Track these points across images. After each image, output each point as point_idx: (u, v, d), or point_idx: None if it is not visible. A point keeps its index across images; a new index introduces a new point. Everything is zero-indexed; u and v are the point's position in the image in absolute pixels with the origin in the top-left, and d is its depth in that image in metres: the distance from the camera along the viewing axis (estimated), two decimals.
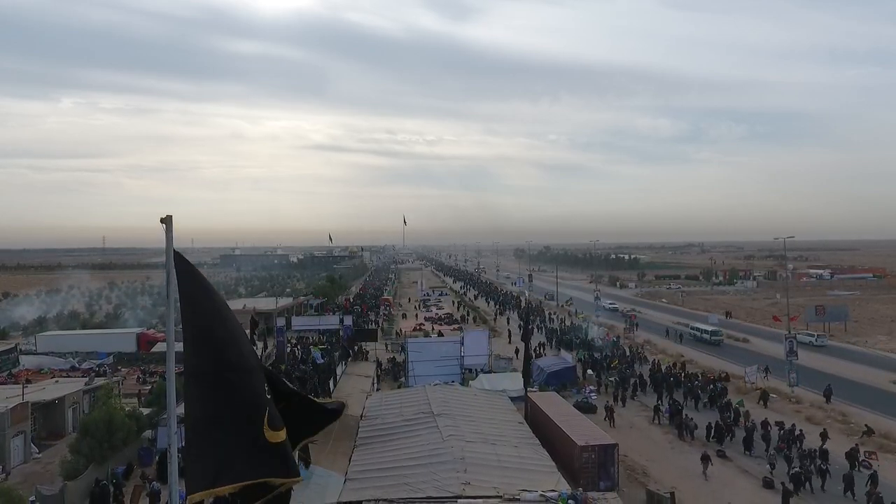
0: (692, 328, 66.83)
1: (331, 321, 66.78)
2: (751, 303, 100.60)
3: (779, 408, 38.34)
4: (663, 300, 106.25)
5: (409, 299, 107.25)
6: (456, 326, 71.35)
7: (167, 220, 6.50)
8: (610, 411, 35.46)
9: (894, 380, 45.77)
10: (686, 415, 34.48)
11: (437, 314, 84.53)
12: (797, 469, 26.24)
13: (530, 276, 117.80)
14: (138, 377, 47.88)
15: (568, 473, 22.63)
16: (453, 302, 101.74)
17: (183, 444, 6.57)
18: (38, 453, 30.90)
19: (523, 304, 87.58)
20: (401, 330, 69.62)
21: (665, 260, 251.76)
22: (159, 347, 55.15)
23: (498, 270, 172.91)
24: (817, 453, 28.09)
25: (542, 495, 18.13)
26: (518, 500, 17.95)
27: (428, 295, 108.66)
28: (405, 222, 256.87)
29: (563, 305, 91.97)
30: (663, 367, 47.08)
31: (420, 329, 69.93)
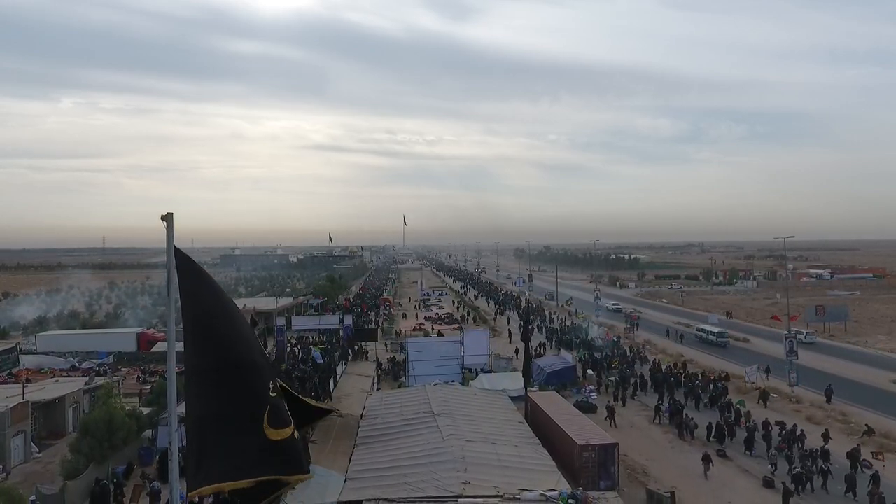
0: (698, 329, 65.82)
1: (331, 321, 66.72)
2: (751, 303, 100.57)
3: (779, 407, 38.32)
4: (663, 300, 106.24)
5: (409, 299, 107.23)
6: (456, 326, 71.31)
7: (168, 218, 6.47)
8: (611, 411, 35.44)
9: (894, 379, 45.76)
10: (686, 414, 34.46)
11: (437, 314, 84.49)
12: (798, 469, 26.22)
13: (530, 275, 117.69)
14: (138, 377, 47.86)
15: (568, 473, 22.61)
16: (453, 302, 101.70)
17: (183, 443, 6.55)
18: (39, 453, 30.89)
19: (523, 304, 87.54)
20: (401, 330, 69.58)
21: (665, 260, 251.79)
22: (159, 347, 55.16)
23: (498, 270, 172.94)
24: (818, 453, 28.07)
25: (542, 495, 18.11)
26: (518, 499, 17.92)
27: (428, 295, 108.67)
28: (405, 222, 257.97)
29: (563, 305, 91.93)
30: (664, 367, 47.08)
31: (420, 329, 69.91)
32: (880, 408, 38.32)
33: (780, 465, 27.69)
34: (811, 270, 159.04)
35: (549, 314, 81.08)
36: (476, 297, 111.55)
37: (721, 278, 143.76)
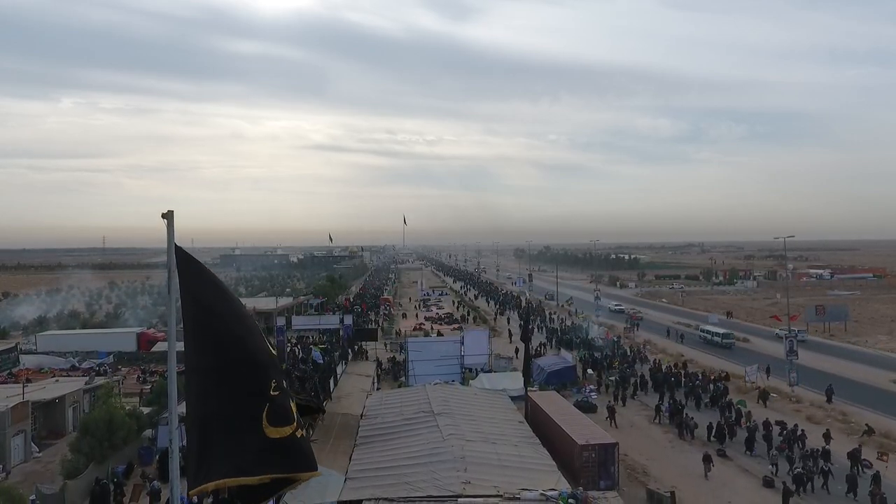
0: (702, 330, 65.27)
1: (331, 321, 66.75)
2: (751, 303, 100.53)
3: (779, 407, 38.30)
4: (663, 300, 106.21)
5: (409, 299, 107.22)
6: (456, 326, 71.31)
7: (168, 216, 6.44)
8: (611, 411, 35.41)
9: (894, 379, 45.76)
10: (686, 414, 34.44)
11: (437, 314, 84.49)
12: (799, 469, 26.20)
13: (530, 275, 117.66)
14: (138, 376, 47.86)
15: (568, 472, 22.59)
16: (453, 302, 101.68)
17: (184, 443, 6.52)
18: (39, 452, 30.89)
19: (523, 304, 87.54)
20: (401, 329, 69.58)
21: (665, 260, 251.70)
22: (159, 347, 55.16)
23: (498, 270, 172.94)
24: (819, 453, 28.05)
25: (542, 494, 18.09)
26: (518, 498, 17.91)
27: (428, 295, 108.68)
28: (405, 222, 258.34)
29: (563, 305, 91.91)
30: (664, 367, 47.07)
31: (420, 329, 69.93)
32: (881, 407, 38.30)
33: (780, 464, 27.66)
34: (811, 270, 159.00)
35: (549, 314, 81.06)
36: (476, 297, 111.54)
37: (721, 278, 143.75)
